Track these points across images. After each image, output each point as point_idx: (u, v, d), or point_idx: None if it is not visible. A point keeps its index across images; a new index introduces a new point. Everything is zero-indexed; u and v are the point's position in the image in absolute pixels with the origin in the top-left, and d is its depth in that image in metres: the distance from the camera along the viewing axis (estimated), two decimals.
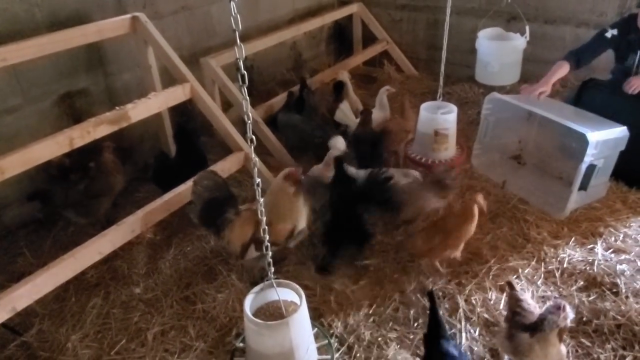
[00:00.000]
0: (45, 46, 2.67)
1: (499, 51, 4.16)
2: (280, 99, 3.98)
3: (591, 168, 2.90)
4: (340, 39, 5.41)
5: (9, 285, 2.21)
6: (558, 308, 1.86)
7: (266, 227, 1.76)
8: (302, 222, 2.48)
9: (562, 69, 3.32)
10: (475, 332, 2.30)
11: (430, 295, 1.98)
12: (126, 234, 2.51)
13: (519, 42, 4.14)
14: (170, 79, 3.26)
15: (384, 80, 4.94)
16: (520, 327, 1.93)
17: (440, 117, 3.51)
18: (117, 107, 2.68)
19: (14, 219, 3.08)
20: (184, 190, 2.75)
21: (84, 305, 2.55)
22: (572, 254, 2.70)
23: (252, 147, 1.67)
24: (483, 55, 4.27)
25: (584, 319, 2.33)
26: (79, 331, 2.41)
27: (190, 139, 3.24)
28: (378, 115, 3.77)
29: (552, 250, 2.74)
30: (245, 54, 4.16)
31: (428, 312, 1.98)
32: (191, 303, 2.53)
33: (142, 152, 3.69)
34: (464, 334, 2.29)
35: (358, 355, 2.20)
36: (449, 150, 3.59)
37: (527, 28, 4.09)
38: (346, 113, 3.80)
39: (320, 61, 5.23)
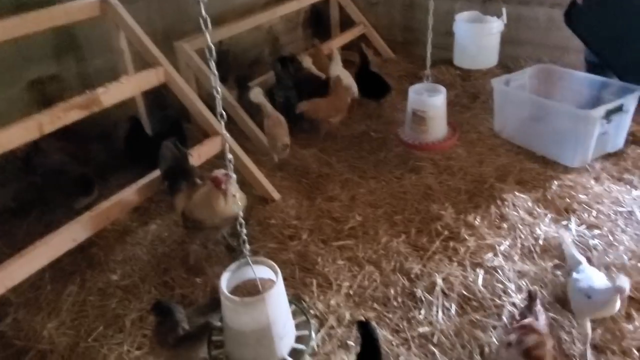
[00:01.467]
0: (11, 29, 2.58)
1: (477, 34, 4.18)
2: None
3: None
4: (317, 22, 5.35)
5: None
6: (522, 328, 1.69)
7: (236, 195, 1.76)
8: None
9: None
10: (451, 307, 2.34)
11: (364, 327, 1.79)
12: (101, 221, 2.47)
13: (496, 24, 4.15)
14: (143, 63, 3.19)
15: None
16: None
17: (427, 99, 3.54)
18: (87, 92, 2.61)
19: None
20: (157, 174, 2.71)
21: (59, 293, 2.52)
22: (547, 230, 2.76)
23: (223, 123, 1.65)
24: (461, 39, 4.27)
25: (559, 292, 2.38)
26: (55, 319, 2.38)
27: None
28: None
29: (527, 227, 2.79)
30: (220, 38, 4.13)
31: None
32: (169, 288, 2.51)
33: (118, 139, 3.61)
34: (440, 311, 2.32)
35: (338, 335, 2.22)
36: (434, 132, 3.61)
37: (504, 10, 4.10)
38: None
39: (297, 46, 5.18)
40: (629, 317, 2.21)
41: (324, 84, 3.93)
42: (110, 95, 2.69)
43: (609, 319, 2.19)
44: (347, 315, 2.31)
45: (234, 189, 2.24)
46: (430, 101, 3.54)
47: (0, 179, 2.91)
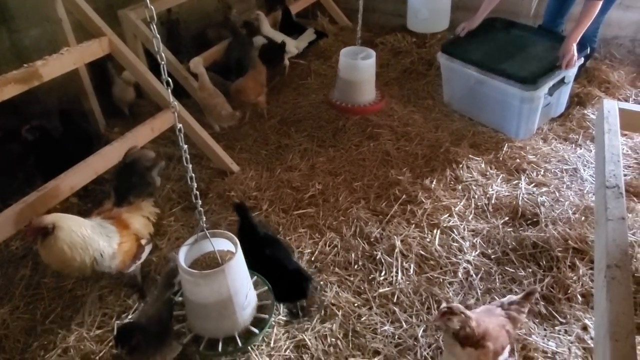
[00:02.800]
0: None
1: None
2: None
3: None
4: None
5: None
6: (443, 314, 1.69)
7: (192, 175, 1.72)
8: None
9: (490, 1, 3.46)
10: (410, 267, 2.41)
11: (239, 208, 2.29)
12: (50, 200, 2.35)
13: None
14: (85, 34, 3.01)
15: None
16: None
17: (360, 62, 3.54)
18: (24, 65, 2.45)
19: None
20: (111, 151, 2.61)
21: (11, 277, 2.43)
22: (499, 190, 2.87)
23: (169, 90, 1.59)
24: (413, 3, 4.28)
25: (510, 247, 2.50)
26: (7, 304, 2.29)
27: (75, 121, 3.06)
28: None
29: (481, 188, 2.89)
30: (169, 6, 3.94)
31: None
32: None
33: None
34: (399, 272, 2.39)
35: (302, 302, 2.25)
36: (363, 95, 3.65)
37: None
38: None
39: (251, 14, 5.01)
40: (573, 267, 2.35)
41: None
42: (51, 68, 2.54)
43: (556, 270, 2.33)
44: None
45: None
46: (360, 64, 3.56)
47: None
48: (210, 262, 1.85)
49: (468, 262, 2.45)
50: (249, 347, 2.04)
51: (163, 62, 1.51)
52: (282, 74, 4.11)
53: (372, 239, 2.59)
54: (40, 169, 2.79)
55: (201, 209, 1.75)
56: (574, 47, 3.09)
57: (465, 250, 2.51)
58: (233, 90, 3.41)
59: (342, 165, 3.12)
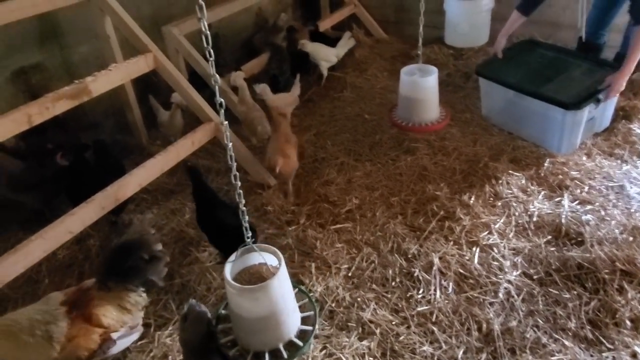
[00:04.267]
0: None
1: (468, 12, 4.13)
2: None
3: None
4: (307, 3, 5.27)
5: None
6: None
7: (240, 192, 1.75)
8: None
9: (514, 20, 3.41)
10: (449, 286, 2.37)
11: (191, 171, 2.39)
12: (96, 211, 2.44)
13: (487, 1, 4.11)
14: (131, 50, 3.13)
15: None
16: None
17: (420, 80, 3.52)
18: (76, 81, 2.56)
19: None
20: (154, 164, 2.69)
21: (58, 286, 2.50)
22: (540, 207, 2.79)
23: (222, 113, 1.63)
24: (452, 17, 4.24)
25: (553, 267, 2.43)
26: None
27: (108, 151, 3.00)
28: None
29: (521, 205, 2.82)
30: (210, 21, 4.05)
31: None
32: (169, 277, 2.50)
33: (108, 128, 3.57)
34: (438, 290, 2.35)
35: (339, 317, 2.25)
36: (427, 114, 3.61)
37: None
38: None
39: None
40: (621, 291, 2.26)
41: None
42: (99, 84, 2.64)
43: (603, 293, 2.24)
44: (347, 298, 2.34)
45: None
46: (422, 82, 3.53)
47: None
48: (252, 277, 1.88)
49: (509, 282, 2.38)
50: None
51: (217, 85, 1.54)
52: (319, 84, 4.14)
53: (409, 256, 2.56)
54: (71, 192, 2.74)
55: (247, 224, 1.77)
56: (624, 82, 2.99)
57: (506, 270, 2.44)
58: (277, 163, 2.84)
59: (378, 179, 3.11)
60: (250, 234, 1.95)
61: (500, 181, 3.00)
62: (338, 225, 2.76)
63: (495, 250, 2.55)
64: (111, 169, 2.86)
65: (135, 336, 2.07)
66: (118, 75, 2.78)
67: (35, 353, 1.76)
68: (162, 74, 3.00)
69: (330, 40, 4.44)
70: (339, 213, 2.84)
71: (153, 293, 2.42)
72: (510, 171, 3.08)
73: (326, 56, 4.09)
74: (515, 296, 2.31)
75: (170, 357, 2.12)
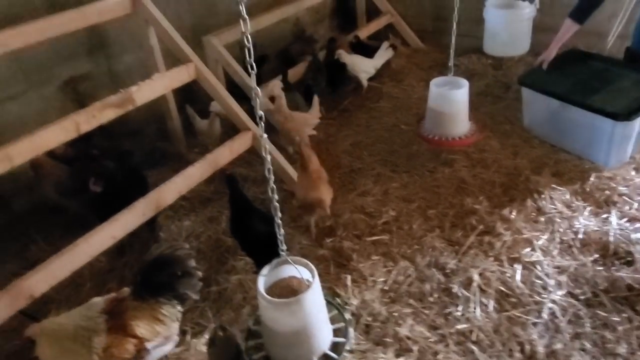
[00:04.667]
0: (46, 30, 2.61)
1: (508, 20, 4.05)
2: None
3: None
4: (344, 13, 5.28)
5: (23, 272, 2.21)
6: None
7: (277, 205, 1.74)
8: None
9: (567, 28, 3.28)
10: (489, 303, 2.30)
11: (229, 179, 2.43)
12: (138, 218, 2.50)
13: (528, 10, 4.02)
14: (173, 59, 3.21)
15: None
16: None
17: (449, 92, 3.46)
18: (121, 90, 2.63)
19: (24, 206, 3.08)
20: (193, 172, 2.73)
21: (99, 290, 2.56)
22: (586, 224, 2.68)
23: (263, 126, 1.64)
24: (491, 25, 4.16)
25: (600, 288, 2.32)
26: None
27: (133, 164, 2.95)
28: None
29: (566, 221, 2.72)
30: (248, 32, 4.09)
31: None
32: (206, 285, 2.52)
33: (149, 136, 3.66)
34: (477, 307, 2.28)
35: (375, 331, 2.21)
36: (454, 128, 3.53)
37: None
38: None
39: (324, 37, 5.12)
40: None
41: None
42: (143, 93, 2.71)
43: None
44: (383, 312, 2.30)
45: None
46: (451, 95, 3.46)
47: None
48: (283, 290, 1.86)
49: (554, 302, 2.29)
50: None
51: (258, 99, 1.54)
52: (356, 94, 4.13)
53: (447, 270, 2.50)
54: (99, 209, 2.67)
55: (282, 237, 1.76)
56: None
57: (550, 289, 2.35)
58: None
59: (416, 191, 3.06)
60: (285, 247, 1.94)
61: (542, 196, 2.90)
62: (374, 237, 2.73)
63: (539, 268, 2.46)
64: (134, 181, 2.82)
65: (170, 347, 2.07)
66: (161, 84, 2.85)
67: None
68: (202, 83, 3.06)
69: (372, 50, 4.42)
70: (376, 225, 2.81)
71: (190, 301, 2.44)
72: (553, 185, 2.97)
73: (365, 67, 4.07)
74: (560, 317, 2.22)
75: None
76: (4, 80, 2.82)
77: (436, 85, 3.53)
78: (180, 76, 2.93)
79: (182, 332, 2.28)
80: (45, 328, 1.83)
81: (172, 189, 2.66)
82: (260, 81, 3.58)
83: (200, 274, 2.06)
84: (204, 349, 2.19)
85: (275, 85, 3.32)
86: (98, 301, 1.97)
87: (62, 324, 1.85)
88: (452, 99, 3.47)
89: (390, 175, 3.23)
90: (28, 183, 2.95)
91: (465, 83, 3.52)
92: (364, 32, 4.76)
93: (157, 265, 1.98)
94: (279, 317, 1.73)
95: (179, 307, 2.03)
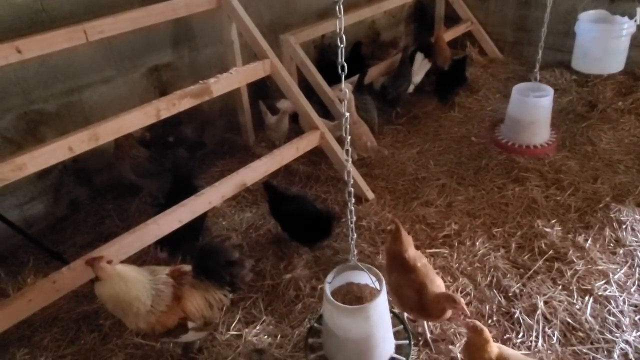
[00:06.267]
0: (139, 20, 2.78)
1: (603, 35, 3.78)
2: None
3: None
4: (422, 18, 5.18)
5: (97, 245, 2.37)
6: None
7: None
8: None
9: None
10: (554, 335, 2.15)
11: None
12: (204, 205, 2.59)
13: (627, 25, 3.73)
14: (249, 54, 3.29)
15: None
16: None
17: (532, 100, 3.31)
18: (200, 81, 2.74)
19: (104, 182, 3.30)
20: (259, 165, 2.79)
21: None
22: None
23: (347, 128, 1.61)
24: (583, 40, 3.90)
25: None
26: None
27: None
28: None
29: None
30: (324, 32, 4.13)
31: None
32: (261, 278, 2.58)
33: (220, 127, 3.80)
34: (540, 337, 2.15)
35: (427, 349, 2.14)
36: (542, 135, 3.39)
37: (639, 10, 3.66)
38: None
39: (397, 42, 5.06)
40: None
41: None
42: (220, 85, 2.81)
43: None
44: (438, 329, 2.22)
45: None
46: (534, 102, 3.31)
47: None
48: (346, 294, 1.84)
49: (627, 342, 2.10)
50: None
51: (344, 106, 1.51)
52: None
53: (510, 294, 2.37)
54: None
55: (354, 243, 1.74)
56: None
57: (624, 328, 2.16)
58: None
59: (481, 206, 2.94)
60: (355, 252, 1.91)
61: (624, 226, 2.69)
62: (434, 250, 2.65)
63: (613, 304, 2.27)
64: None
65: (201, 335, 2.12)
66: (237, 78, 2.94)
67: (139, 311, 1.89)
68: (276, 79, 3.12)
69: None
70: (436, 237, 2.73)
71: (244, 290, 2.50)
72: (637, 216, 2.74)
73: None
74: (633, 359, 2.03)
75: None
76: (97, 64, 3.03)
77: (518, 91, 3.39)
78: (256, 71, 3.00)
79: (238, 321, 2.35)
80: (118, 273, 1.90)
81: (237, 180, 2.73)
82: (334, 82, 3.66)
83: (249, 264, 2.10)
84: (254, 340, 2.23)
85: (347, 90, 3.30)
86: (160, 268, 2.06)
87: (134, 276, 1.93)
88: (535, 106, 3.33)
89: (455, 187, 3.13)
90: (109, 161, 3.15)
91: (550, 90, 3.37)
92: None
93: (204, 254, 2.04)
94: (344, 323, 1.71)
95: (229, 296, 2.08)
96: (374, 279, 1.86)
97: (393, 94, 3.61)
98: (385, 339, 1.73)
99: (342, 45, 1.46)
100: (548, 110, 3.38)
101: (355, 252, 1.77)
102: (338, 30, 1.48)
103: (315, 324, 2.17)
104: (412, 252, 2.11)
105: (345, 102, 1.58)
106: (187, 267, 2.08)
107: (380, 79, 4.07)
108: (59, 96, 2.93)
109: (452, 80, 4.06)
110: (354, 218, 1.71)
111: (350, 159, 1.68)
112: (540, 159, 3.31)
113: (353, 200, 1.69)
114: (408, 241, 2.15)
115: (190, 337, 2.06)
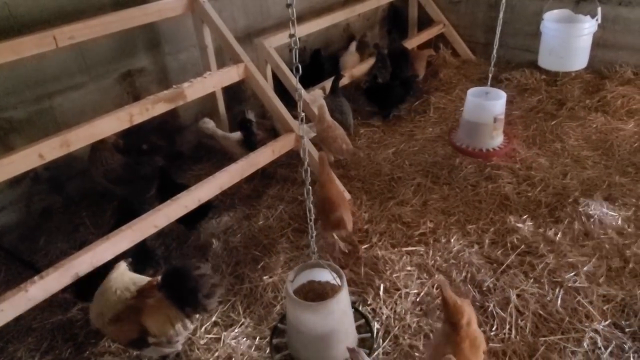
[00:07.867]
0: (110, 25, 2.77)
1: (566, 35, 3.91)
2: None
3: None
4: (395, 21, 5.27)
5: (71, 252, 2.33)
6: None
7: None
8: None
9: None
10: (526, 326, 2.21)
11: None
12: (180, 209, 2.58)
13: (589, 24, 3.86)
14: (224, 59, 3.30)
15: (439, 64, 4.78)
16: None
17: (487, 103, 3.38)
18: (174, 86, 2.74)
19: (78, 190, 3.25)
20: (236, 169, 2.80)
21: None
22: (639, 253, 2.53)
23: (304, 127, 1.65)
24: (548, 39, 4.03)
25: None
26: None
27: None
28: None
29: (616, 248, 2.58)
30: (299, 36, 4.15)
31: None
32: (240, 280, 2.58)
33: (196, 132, 3.78)
34: (513, 329, 2.20)
35: (404, 343, 2.18)
36: (496, 138, 3.46)
37: (599, 10, 3.80)
38: None
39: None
40: None
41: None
42: (194, 89, 2.81)
43: None
44: (414, 324, 2.26)
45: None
46: (488, 106, 3.37)
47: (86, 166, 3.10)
48: (309, 292, 1.86)
49: (596, 331, 2.17)
50: None
51: (301, 101, 1.56)
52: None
53: (484, 288, 2.42)
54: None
55: (314, 240, 1.77)
56: None
57: (593, 318, 2.23)
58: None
59: (456, 204, 3.00)
60: (315, 249, 1.94)
61: (592, 219, 2.77)
62: (410, 248, 2.69)
63: (582, 295, 2.34)
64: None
65: (169, 350, 2.10)
66: (211, 82, 2.94)
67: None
68: (251, 83, 3.13)
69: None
70: (412, 235, 2.77)
71: (223, 293, 2.49)
72: (604, 209, 2.83)
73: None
74: (602, 348, 2.10)
75: (233, 358, 2.17)
76: (68, 70, 3.00)
77: (473, 94, 3.47)
78: (230, 75, 3.01)
79: (214, 324, 2.35)
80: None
81: (214, 184, 2.72)
82: (309, 84, 3.68)
83: (220, 292, 2.09)
84: (233, 343, 2.23)
85: (317, 95, 3.34)
86: (144, 279, 2.10)
87: (121, 272, 2.07)
88: (488, 110, 3.38)
89: (430, 186, 3.18)
90: (82, 168, 3.11)
91: (503, 94, 3.43)
92: (415, 40, 4.72)
93: (176, 277, 2.00)
94: (307, 319, 1.74)
95: (189, 324, 2.07)
96: (334, 275, 1.89)
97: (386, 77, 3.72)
98: (348, 333, 1.75)
99: (295, 47, 1.50)
100: (500, 115, 3.42)
101: (316, 250, 1.79)
102: (291, 33, 1.50)
103: (279, 324, 2.18)
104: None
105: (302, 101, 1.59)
106: (158, 280, 2.06)
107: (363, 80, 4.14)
108: (28, 103, 2.88)
109: (394, 95, 3.96)
110: (314, 216, 1.74)
111: (306, 135, 1.71)
112: (490, 162, 3.37)
113: (312, 198, 1.72)
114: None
115: (152, 352, 2.06)
